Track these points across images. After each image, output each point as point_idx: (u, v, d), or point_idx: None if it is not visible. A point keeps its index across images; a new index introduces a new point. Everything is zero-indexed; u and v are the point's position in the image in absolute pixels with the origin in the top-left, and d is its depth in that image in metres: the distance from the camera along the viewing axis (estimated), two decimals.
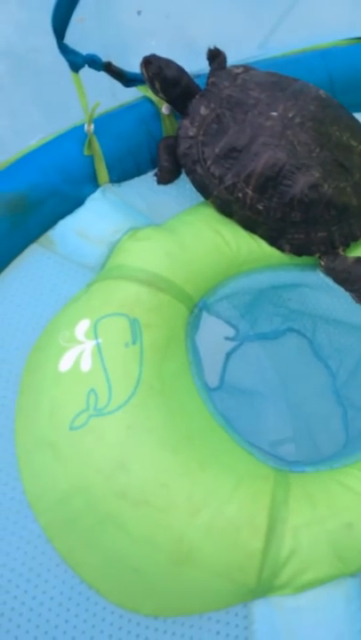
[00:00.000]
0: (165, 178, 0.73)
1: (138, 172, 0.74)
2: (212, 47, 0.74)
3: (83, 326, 0.59)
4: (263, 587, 0.53)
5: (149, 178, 0.74)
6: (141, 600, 0.53)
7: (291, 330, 0.80)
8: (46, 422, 0.56)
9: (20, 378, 0.61)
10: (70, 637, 0.53)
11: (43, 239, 0.68)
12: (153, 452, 0.54)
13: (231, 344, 0.80)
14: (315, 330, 0.79)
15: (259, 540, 0.53)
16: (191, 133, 0.68)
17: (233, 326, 0.76)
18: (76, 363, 0.57)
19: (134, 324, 0.59)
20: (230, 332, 0.78)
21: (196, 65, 0.73)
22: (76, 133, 0.69)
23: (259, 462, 0.59)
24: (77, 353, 0.58)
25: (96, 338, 0.58)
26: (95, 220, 0.68)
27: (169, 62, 0.69)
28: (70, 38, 0.66)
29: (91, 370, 0.56)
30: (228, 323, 0.75)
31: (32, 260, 0.67)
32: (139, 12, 1.21)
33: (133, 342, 0.58)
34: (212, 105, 0.67)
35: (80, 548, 0.54)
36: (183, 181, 0.73)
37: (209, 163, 0.67)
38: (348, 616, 0.53)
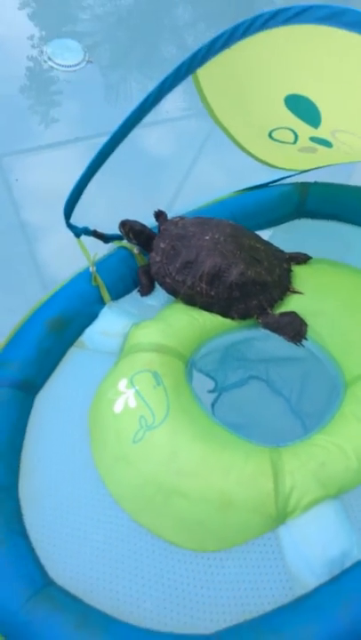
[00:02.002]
0: (145, 291, 1.11)
1: (126, 291, 1.11)
2: (156, 210, 1.16)
3: (123, 383, 0.91)
4: (281, 514, 0.81)
5: (135, 294, 1.11)
6: (206, 542, 0.80)
7: (251, 377, 1.15)
8: (115, 445, 0.85)
9: (87, 425, 0.90)
10: (167, 584, 0.77)
11: (77, 343, 1.02)
12: (191, 442, 0.84)
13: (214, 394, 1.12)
14: (267, 371, 1.13)
15: (270, 482, 0.82)
16: (158, 259, 1.07)
17: (212, 378, 1.09)
18: (126, 404, 0.88)
19: (155, 374, 0.92)
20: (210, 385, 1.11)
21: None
22: (85, 274, 1.06)
23: (256, 444, 0.89)
24: (124, 399, 0.89)
25: (134, 387, 0.90)
26: (112, 323, 1.03)
27: (135, 222, 1.10)
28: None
29: (137, 405, 0.88)
30: (208, 376, 1.08)
31: (73, 357, 1.00)
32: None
33: (158, 385, 0.90)
34: (167, 240, 1.07)
35: (158, 517, 0.81)
36: (156, 292, 1.11)
37: (174, 274, 1.05)
38: (337, 520, 0.82)
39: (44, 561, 0.80)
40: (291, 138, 1.01)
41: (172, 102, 2.10)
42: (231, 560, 0.79)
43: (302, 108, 0.90)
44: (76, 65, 2.22)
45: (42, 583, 0.76)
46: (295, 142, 1.03)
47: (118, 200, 1.63)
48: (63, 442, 0.90)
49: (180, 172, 1.77)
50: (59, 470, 0.86)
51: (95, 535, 0.81)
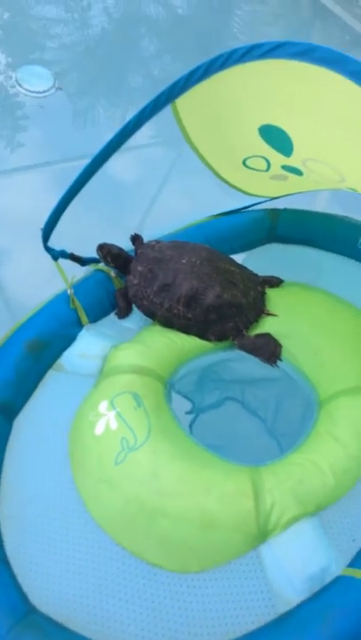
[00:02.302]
0: (123, 314, 1.12)
1: (104, 314, 1.12)
2: (133, 234, 1.18)
3: (103, 405, 0.91)
4: (262, 532, 0.82)
5: (112, 316, 1.12)
6: (190, 562, 0.80)
7: (227, 398, 1.16)
8: (97, 467, 0.85)
9: (67, 448, 0.89)
10: (151, 607, 0.77)
11: (56, 365, 1.01)
12: (172, 462, 0.85)
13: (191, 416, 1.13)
14: (243, 392, 1.15)
15: (251, 500, 0.83)
16: (135, 282, 1.09)
17: (189, 399, 1.10)
18: (107, 426, 0.88)
19: (135, 396, 0.93)
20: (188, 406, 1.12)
21: None
22: (63, 296, 1.07)
23: (234, 464, 0.91)
24: (105, 421, 0.89)
25: (114, 408, 0.90)
26: (90, 346, 1.03)
27: (113, 245, 1.11)
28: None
29: (118, 427, 0.88)
30: (186, 397, 1.09)
31: (52, 380, 1.00)
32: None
33: (139, 406, 0.91)
34: (144, 264, 1.09)
35: (140, 539, 0.81)
36: (134, 315, 1.12)
37: (152, 297, 1.07)
38: (316, 537, 0.84)
39: (26, 588, 0.78)
40: (263, 166, 1.05)
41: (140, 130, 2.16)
42: (215, 580, 0.79)
43: (275, 137, 0.94)
44: (45, 91, 2.24)
45: (24, 611, 0.75)
46: (268, 170, 1.07)
47: (86, 226, 1.65)
48: (44, 465, 0.89)
49: (145, 199, 1.79)
50: (39, 495, 0.85)
51: (78, 560, 0.80)
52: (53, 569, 0.79)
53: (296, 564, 0.81)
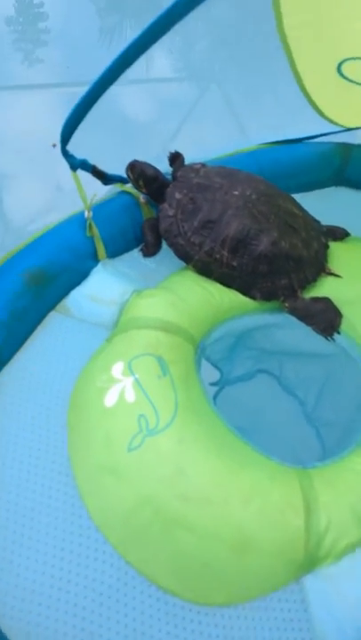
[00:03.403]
0: (150, 251, 0.88)
1: (126, 248, 0.88)
2: (172, 151, 0.93)
3: (118, 368, 0.69)
4: (310, 560, 0.63)
5: (136, 253, 0.88)
6: (214, 593, 0.60)
7: (260, 371, 0.95)
8: (103, 451, 0.64)
9: (65, 418, 0.68)
10: None
11: (59, 307, 0.79)
12: (203, 457, 0.64)
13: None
14: (281, 367, 0.94)
15: (300, 517, 0.63)
16: (170, 213, 0.85)
17: (218, 368, 0.89)
18: (121, 396, 0.67)
19: (160, 360, 0.71)
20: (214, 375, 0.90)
21: None
22: (77, 219, 0.82)
23: (278, 462, 0.70)
24: (119, 389, 0.67)
25: (133, 374, 0.68)
26: (105, 287, 0.80)
27: (147, 164, 0.86)
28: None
29: (136, 400, 0.66)
30: (215, 366, 0.88)
31: (53, 324, 0.77)
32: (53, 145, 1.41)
33: (164, 375, 0.69)
34: (185, 191, 0.85)
35: (153, 556, 0.61)
36: (162, 253, 0.89)
37: (189, 234, 0.83)
38: None
39: None
40: None
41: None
42: (243, 619, 0.60)
43: None
44: None
45: None
46: None
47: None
48: (31, 438, 0.67)
49: (157, 142, 1.54)
50: (22, 478, 0.65)
51: (63, 570, 0.60)
52: (29, 576, 0.59)
53: (350, 604, 0.62)
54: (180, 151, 0.94)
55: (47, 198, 1.16)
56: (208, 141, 1.58)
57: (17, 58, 1.85)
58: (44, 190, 1.19)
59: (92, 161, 0.84)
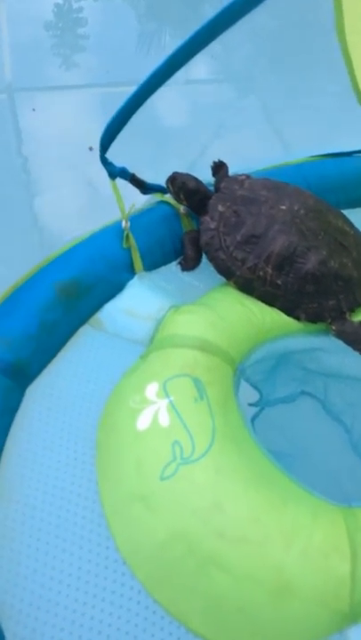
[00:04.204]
0: (189, 265, 0.84)
1: (164, 261, 0.84)
2: (216, 161, 0.89)
3: (152, 388, 0.65)
4: (356, 610, 0.57)
5: (174, 266, 0.84)
6: (248, 639, 0.55)
7: (303, 393, 0.89)
8: (134, 478, 0.60)
9: (95, 439, 0.64)
10: None
11: (92, 320, 0.75)
12: (242, 490, 0.59)
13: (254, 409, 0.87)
14: (326, 390, 0.88)
15: (346, 563, 0.57)
16: (212, 226, 0.80)
17: (257, 389, 0.84)
18: (155, 420, 0.62)
19: (197, 382, 0.66)
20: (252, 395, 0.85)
21: None
22: (115, 229, 0.79)
23: (321, 499, 0.64)
24: (153, 411, 0.63)
25: (168, 396, 0.64)
26: (141, 301, 0.76)
27: (188, 176, 0.83)
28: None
29: (170, 424, 0.62)
30: (255, 387, 0.83)
31: (85, 339, 0.73)
32: (90, 148, 1.38)
33: (201, 398, 0.65)
34: (228, 203, 0.81)
35: (183, 596, 0.56)
36: (201, 268, 0.85)
37: (232, 249, 0.79)
38: None
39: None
40: None
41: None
42: None
43: None
44: None
45: None
46: None
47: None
48: (58, 459, 0.64)
49: (193, 148, 1.51)
50: (46, 502, 0.60)
51: (89, 607, 0.55)
52: (53, 620, 0.54)
53: None
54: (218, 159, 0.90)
55: (82, 204, 1.13)
56: (246, 150, 1.54)
57: (55, 62, 1.84)
58: (79, 196, 1.15)
59: (127, 166, 0.81)
